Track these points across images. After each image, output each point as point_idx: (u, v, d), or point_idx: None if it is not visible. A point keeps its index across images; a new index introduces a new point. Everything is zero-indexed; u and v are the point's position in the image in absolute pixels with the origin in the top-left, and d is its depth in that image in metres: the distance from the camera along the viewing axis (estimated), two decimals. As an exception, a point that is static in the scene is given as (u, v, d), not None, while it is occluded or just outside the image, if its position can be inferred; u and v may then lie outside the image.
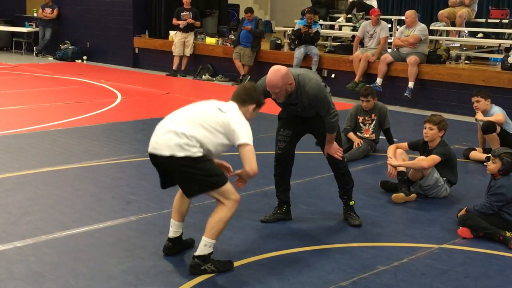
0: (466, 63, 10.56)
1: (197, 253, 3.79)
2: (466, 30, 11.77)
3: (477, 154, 6.84)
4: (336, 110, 4.53)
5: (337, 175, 4.81)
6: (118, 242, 4.29)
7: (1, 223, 4.56)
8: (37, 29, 17.09)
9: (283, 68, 4.37)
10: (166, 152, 3.70)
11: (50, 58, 16.52)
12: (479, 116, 6.85)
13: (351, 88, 10.73)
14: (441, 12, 11.98)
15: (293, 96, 4.45)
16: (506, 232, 4.44)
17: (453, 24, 11.70)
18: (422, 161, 5.37)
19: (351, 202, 4.83)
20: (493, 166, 4.58)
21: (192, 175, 3.71)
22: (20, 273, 3.76)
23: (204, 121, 3.79)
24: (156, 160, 3.83)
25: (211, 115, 3.83)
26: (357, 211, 4.86)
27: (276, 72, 4.33)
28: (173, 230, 4.09)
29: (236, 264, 3.92)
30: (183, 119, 3.83)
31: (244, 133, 3.77)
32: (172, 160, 3.69)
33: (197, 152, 3.69)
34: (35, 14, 17.46)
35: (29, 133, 7.57)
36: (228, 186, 3.76)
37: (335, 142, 4.64)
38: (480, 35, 11.71)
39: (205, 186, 3.75)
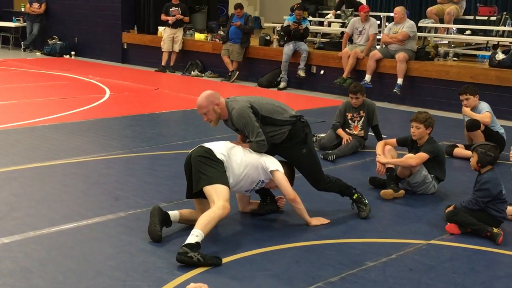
0: (454, 60, 10.61)
1: (186, 242, 3.87)
2: (454, 27, 11.83)
3: (461, 150, 6.87)
4: (263, 136, 4.46)
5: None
6: (106, 238, 4.27)
7: (-11, 219, 4.53)
8: (25, 24, 16.97)
9: (210, 91, 4.56)
10: None
11: (38, 53, 16.42)
12: (467, 111, 6.86)
13: (338, 84, 10.75)
14: (429, 9, 12.03)
15: (229, 122, 4.57)
16: (494, 228, 4.47)
17: (441, 21, 11.75)
18: (410, 159, 5.39)
19: (354, 196, 4.87)
20: (472, 160, 4.62)
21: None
22: (7, 269, 3.74)
23: None
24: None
25: None
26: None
27: (202, 93, 4.53)
28: (173, 214, 4.32)
29: (224, 260, 3.92)
30: None
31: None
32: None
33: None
34: (22, 9, 17.34)
35: (16, 129, 7.52)
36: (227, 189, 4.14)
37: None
38: (468, 32, 11.77)
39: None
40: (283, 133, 4.57)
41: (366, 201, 4.89)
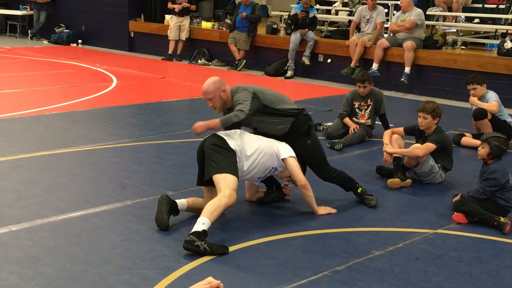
0: (462, 49, 10.55)
1: (192, 230, 3.88)
2: (463, 15, 11.74)
3: (468, 140, 6.85)
4: (247, 109, 4.41)
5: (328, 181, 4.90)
6: (113, 227, 4.29)
7: (-4, 207, 4.56)
8: (32, 12, 16.97)
9: (216, 77, 4.58)
10: None
11: (45, 42, 16.43)
12: (474, 100, 6.84)
13: (345, 74, 10.71)
14: (438, -3, 11.94)
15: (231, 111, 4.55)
16: (501, 217, 4.46)
17: (449, 9, 11.66)
18: (417, 149, 5.36)
19: (358, 190, 4.87)
20: (482, 151, 4.60)
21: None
22: (15, 257, 3.76)
23: None
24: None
25: None
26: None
27: (208, 79, 4.55)
28: (180, 202, 4.34)
29: (231, 248, 3.93)
30: None
31: None
32: None
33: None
34: (29, -3, 17.34)
35: (24, 117, 7.54)
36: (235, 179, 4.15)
37: (207, 124, 4.47)
38: (476, 20, 11.69)
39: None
40: (286, 125, 4.58)
41: (370, 193, 4.89)
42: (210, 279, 2.29)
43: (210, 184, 4.31)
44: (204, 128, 4.47)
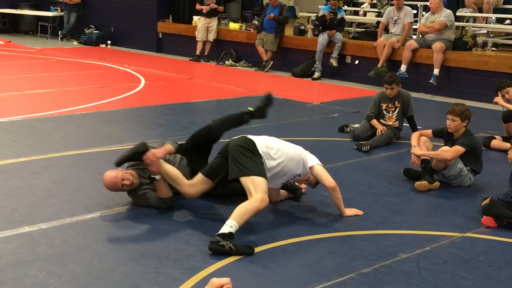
0: (493, 50, 10.39)
1: (219, 232, 3.90)
2: (494, 16, 11.58)
3: (498, 142, 6.75)
4: None
5: None
6: (141, 225, 4.33)
7: (27, 205, 4.63)
8: (62, 13, 17.20)
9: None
10: None
11: (75, 43, 16.63)
12: (499, 100, 6.76)
13: (373, 76, 10.64)
14: (468, -2, 11.79)
15: None
16: (531, 221, 4.39)
17: (480, 10, 11.51)
18: (446, 152, 5.30)
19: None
20: (511, 153, 4.53)
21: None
22: (44, 254, 3.82)
23: None
24: None
25: None
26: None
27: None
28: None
29: (257, 249, 3.94)
30: None
31: None
32: None
33: None
34: (60, -1, 17.59)
35: (54, 117, 7.65)
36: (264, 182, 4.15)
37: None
38: (507, 21, 11.51)
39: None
40: None
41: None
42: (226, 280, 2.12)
43: (213, 178, 4.38)
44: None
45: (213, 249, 3.83)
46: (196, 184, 4.46)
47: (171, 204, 4.56)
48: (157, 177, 4.44)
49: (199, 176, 4.47)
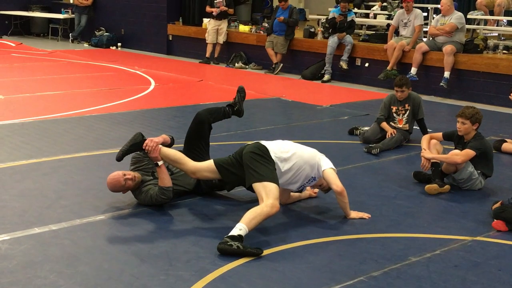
0: (504, 53, 10.34)
1: (229, 234, 3.91)
2: (505, 19, 11.52)
3: (509, 146, 6.71)
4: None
5: None
6: (151, 227, 4.34)
7: (37, 206, 4.66)
8: (73, 15, 17.30)
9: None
10: None
11: (86, 45, 16.72)
12: None
13: (383, 78, 10.61)
14: (479, 0, 11.73)
15: None
16: (542, 225, 4.36)
17: (491, 13, 11.45)
18: (456, 156, 5.27)
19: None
20: None
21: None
22: (55, 255, 3.84)
23: None
24: None
25: None
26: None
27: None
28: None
29: (266, 252, 3.93)
30: None
31: None
32: None
33: None
34: (71, 1, 17.70)
35: (65, 119, 7.69)
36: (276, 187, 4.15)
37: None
38: (519, 24, 11.46)
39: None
40: None
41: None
42: None
43: (224, 178, 4.44)
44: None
45: (222, 249, 3.84)
46: (202, 170, 4.47)
47: (170, 195, 4.57)
48: (160, 162, 4.47)
49: (209, 164, 4.48)
